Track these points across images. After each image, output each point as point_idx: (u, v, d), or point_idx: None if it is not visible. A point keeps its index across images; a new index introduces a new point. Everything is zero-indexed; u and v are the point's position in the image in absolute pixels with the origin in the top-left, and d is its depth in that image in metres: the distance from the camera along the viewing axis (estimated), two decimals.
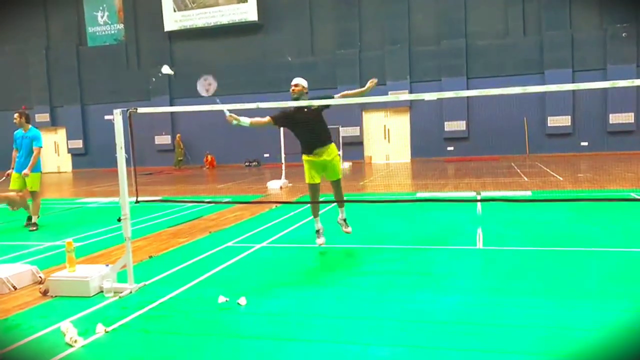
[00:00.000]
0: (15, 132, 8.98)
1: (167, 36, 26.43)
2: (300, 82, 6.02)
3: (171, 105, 25.57)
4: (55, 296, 4.84)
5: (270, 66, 25.18)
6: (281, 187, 13.62)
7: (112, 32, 27.45)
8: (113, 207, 11.01)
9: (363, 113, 24.36)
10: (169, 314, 4.33)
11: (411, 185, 14.05)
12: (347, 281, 5.15)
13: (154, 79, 26.47)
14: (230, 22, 25.19)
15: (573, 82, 19.71)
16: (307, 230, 7.84)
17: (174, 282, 5.20)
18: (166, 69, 6.25)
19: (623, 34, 21.48)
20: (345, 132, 23.25)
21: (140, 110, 5.25)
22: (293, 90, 5.98)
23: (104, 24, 27.49)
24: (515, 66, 22.48)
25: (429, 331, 3.74)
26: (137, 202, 5.31)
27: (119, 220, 5.01)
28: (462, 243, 6.59)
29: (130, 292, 4.85)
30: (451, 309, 4.16)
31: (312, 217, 6.43)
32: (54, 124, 28.31)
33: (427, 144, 23.60)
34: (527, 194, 10.63)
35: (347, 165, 21.57)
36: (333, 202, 8.46)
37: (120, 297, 4.73)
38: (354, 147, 23.77)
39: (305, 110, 5.92)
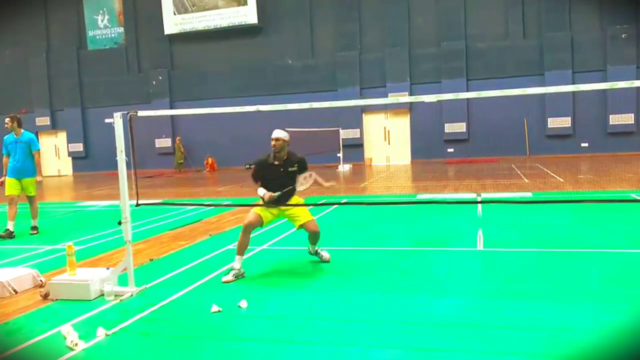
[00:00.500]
0: (5, 137, 8.58)
1: (167, 39, 26.46)
2: (280, 135, 5.59)
3: (171, 108, 25.60)
4: (56, 300, 4.84)
5: (270, 69, 25.21)
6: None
7: (113, 35, 27.49)
8: (113, 210, 11.00)
9: (363, 115, 24.36)
10: (169, 317, 4.33)
11: (411, 187, 14.05)
12: (347, 283, 5.15)
13: (154, 82, 26.51)
14: (230, 25, 25.21)
15: (573, 84, 19.77)
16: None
17: (175, 285, 5.21)
18: None
19: (623, 35, 21.49)
20: (346, 134, 23.28)
21: (141, 113, 5.25)
22: (274, 145, 5.59)
23: (104, 27, 27.53)
24: (515, 68, 22.48)
25: (430, 333, 3.74)
26: (137, 205, 5.31)
27: (120, 223, 5.01)
28: (463, 245, 6.59)
29: (131, 295, 4.85)
30: (452, 311, 4.16)
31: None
32: (54, 127, 28.33)
33: (427, 146, 23.58)
34: (528, 195, 10.62)
35: (347, 167, 21.60)
36: (333, 204, 8.47)
37: (120, 300, 4.73)
38: (354, 149, 23.78)
39: (281, 170, 5.65)
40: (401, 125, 24.29)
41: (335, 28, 24.48)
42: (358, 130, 24.35)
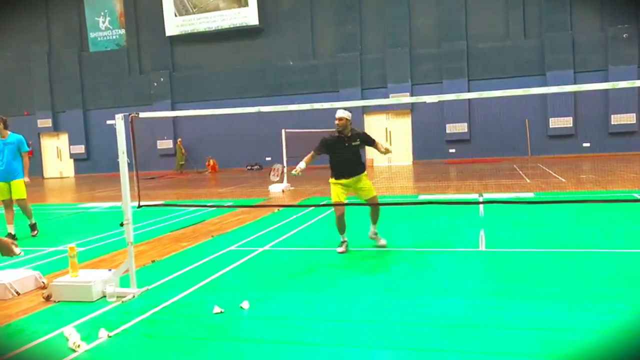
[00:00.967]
0: None
1: (168, 41, 26.50)
2: (343, 115, 6.09)
3: (173, 109, 25.62)
4: (58, 301, 4.84)
5: (271, 70, 25.23)
6: (283, 191, 13.61)
7: (114, 37, 27.53)
8: (115, 211, 11.01)
9: (364, 116, 24.35)
10: (171, 318, 4.33)
11: (413, 187, 14.05)
12: (349, 284, 5.15)
13: (155, 84, 26.55)
14: (231, 26, 25.24)
15: (574, 84, 19.75)
16: (308, 233, 7.85)
17: (177, 286, 5.20)
18: None
19: (624, 35, 21.48)
20: None
21: (142, 115, 5.25)
22: (337, 124, 6.11)
23: (105, 29, 27.58)
24: (517, 68, 22.48)
25: (431, 334, 3.74)
26: (139, 206, 5.32)
27: (122, 224, 5.01)
28: (465, 245, 6.58)
29: (133, 296, 4.85)
30: (453, 312, 4.16)
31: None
32: (56, 129, 28.37)
33: (429, 146, 23.58)
34: (530, 195, 10.61)
35: None
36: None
37: (123, 301, 4.73)
38: None
39: (346, 144, 6.20)
40: (403, 126, 24.29)
41: (336, 29, 24.49)
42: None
